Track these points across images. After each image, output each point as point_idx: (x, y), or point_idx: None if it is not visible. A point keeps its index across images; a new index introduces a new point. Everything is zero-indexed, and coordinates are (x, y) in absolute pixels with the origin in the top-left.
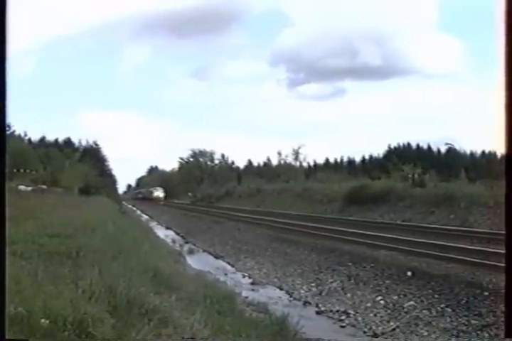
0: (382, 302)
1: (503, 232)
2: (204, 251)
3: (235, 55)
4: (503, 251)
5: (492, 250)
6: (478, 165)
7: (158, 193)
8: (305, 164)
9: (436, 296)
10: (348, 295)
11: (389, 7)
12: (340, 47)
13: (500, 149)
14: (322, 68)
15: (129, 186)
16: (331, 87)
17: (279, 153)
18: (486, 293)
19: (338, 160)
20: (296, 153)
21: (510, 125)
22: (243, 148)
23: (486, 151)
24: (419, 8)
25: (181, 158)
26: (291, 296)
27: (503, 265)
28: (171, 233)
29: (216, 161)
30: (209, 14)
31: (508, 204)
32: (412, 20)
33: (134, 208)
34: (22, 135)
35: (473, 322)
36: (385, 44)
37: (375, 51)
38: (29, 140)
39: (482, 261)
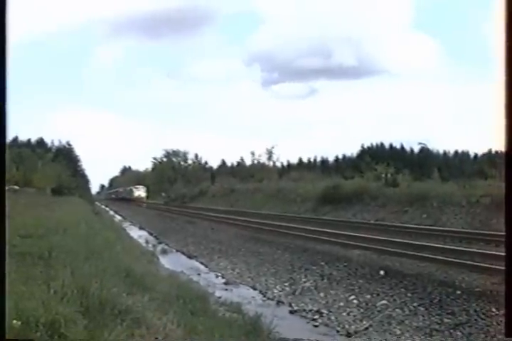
0: (355, 301)
1: (475, 231)
2: (177, 251)
3: (209, 55)
4: (474, 250)
5: (464, 249)
6: (451, 164)
7: (140, 193)
8: (278, 164)
9: (409, 295)
10: (322, 294)
11: (363, 8)
12: (314, 48)
13: (474, 148)
14: (296, 68)
15: (102, 186)
16: (305, 87)
17: (253, 153)
18: (459, 292)
19: (312, 159)
20: (270, 153)
21: (510, 125)
22: (217, 147)
23: (459, 151)
24: (394, 9)
25: (155, 158)
26: (264, 296)
27: (474, 263)
28: (144, 233)
29: (189, 161)
30: (183, 14)
31: (508, 204)
32: (386, 21)
33: (107, 208)
34: None
35: (446, 320)
36: (360, 44)
37: (349, 51)
38: None
39: (454, 260)
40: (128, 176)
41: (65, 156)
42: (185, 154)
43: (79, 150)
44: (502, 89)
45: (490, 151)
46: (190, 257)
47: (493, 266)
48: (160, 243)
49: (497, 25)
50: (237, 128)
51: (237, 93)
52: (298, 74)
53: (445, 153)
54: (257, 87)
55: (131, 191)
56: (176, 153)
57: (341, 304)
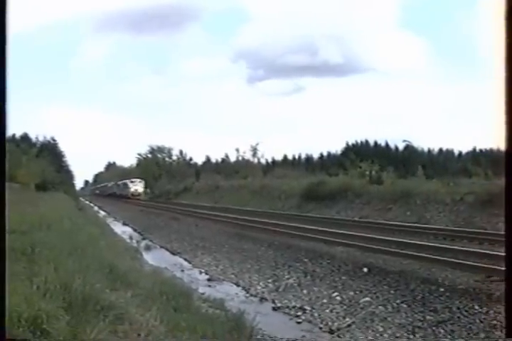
0: (338, 298)
1: (459, 229)
2: (161, 247)
3: (195, 52)
4: (457, 248)
5: (448, 246)
6: (436, 162)
7: (137, 187)
8: (263, 161)
9: (391, 292)
10: (305, 291)
11: (350, 5)
12: (300, 45)
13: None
14: (282, 65)
15: (87, 182)
16: (290, 84)
17: (237, 150)
18: (442, 289)
19: (296, 156)
20: (254, 150)
21: (510, 123)
22: (201, 144)
23: (444, 149)
24: (380, 7)
25: (139, 154)
26: (247, 292)
27: (457, 261)
28: (128, 229)
29: (174, 157)
30: (169, 10)
31: (508, 204)
32: (372, 18)
33: (92, 204)
34: None
35: (428, 318)
36: (346, 42)
37: (335, 49)
38: None
39: (438, 258)
40: (112, 172)
41: (50, 152)
42: (169, 150)
43: (64, 146)
44: (502, 86)
45: (474, 149)
46: (173, 253)
47: (476, 264)
48: (144, 239)
49: (483, 23)
50: (222, 124)
51: (223, 90)
52: (283, 72)
53: (429, 151)
54: (243, 84)
55: (126, 186)
56: (160, 149)
57: (324, 301)
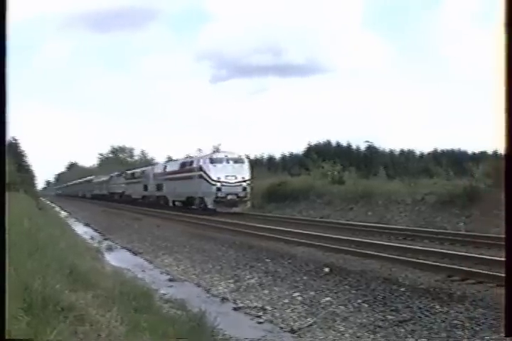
0: (299, 298)
1: (420, 229)
2: (123, 247)
3: (159, 51)
4: (418, 248)
5: (408, 246)
6: (397, 162)
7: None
8: None
9: (353, 292)
10: (266, 291)
11: (313, 6)
12: (263, 45)
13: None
14: (245, 65)
15: (48, 182)
16: (253, 84)
17: (200, 150)
18: (403, 289)
19: (258, 156)
20: (217, 150)
21: (510, 124)
22: (164, 144)
23: (405, 149)
24: (344, 8)
25: (101, 154)
26: (208, 293)
27: (418, 261)
28: (89, 230)
29: (136, 157)
30: (132, 9)
31: (508, 205)
32: (336, 19)
33: (53, 204)
34: None
35: (389, 317)
36: (309, 42)
37: (298, 49)
38: None
39: (398, 257)
40: (74, 172)
41: (10, 151)
42: (131, 150)
43: (24, 146)
44: (502, 90)
45: (435, 150)
46: (135, 254)
47: (437, 264)
48: (105, 239)
49: (444, 23)
50: (185, 124)
51: (186, 89)
52: (247, 72)
53: (391, 152)
54: (206, 84)
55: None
56: (122, 149)
57: (286, 301)
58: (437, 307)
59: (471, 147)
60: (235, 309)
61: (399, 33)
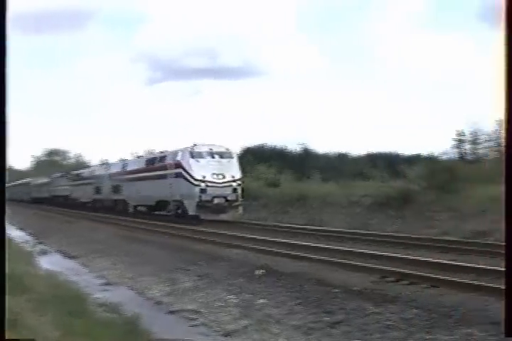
0: (234, 300)
1: (354, 231)
2: (57, 251)
3: (94, 53)
4: (352, 249)
5: (343, 248)
6: (332, 165)
7: None
8: None
9: (287, 294)
10: (201, 294)
11: (249, 9)
12: (199, 47)
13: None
14: (181, 67)
15: None
16: (189, 86)
17: (134, 153)
18: (336, 291)
19: None
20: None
21: (510, 124)
22: (99, 146)
23: (340, 152)
24: (278, 11)
25: (34, 157)
26: (143, 296)
27: (352, 263)
28: (22, 234)
29: (72, 160)
30: (67, 10)
31: (508, 206)
32: (271, 23)
33: None
34: None
35: (323, 319)
36: (244, 45)
37: (234, 52)
38: None
39: (332, 260)
40: (12, 175)
41: None
42: (64, 153)
43: None
44: (502, 91)
45: (371, 153)
46: (69, 257)
47: (371, 265)
48: (39, 243)
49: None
50: (120, 126)
51: (121, 91)
52: (182, 74)
53: (326, 154)
54: (141, 86)
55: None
56: (56, 152)
57: (220, 303)
58: (371, 308)
59: (406, 150)
60: (170, 312)
61: (333, 35)
